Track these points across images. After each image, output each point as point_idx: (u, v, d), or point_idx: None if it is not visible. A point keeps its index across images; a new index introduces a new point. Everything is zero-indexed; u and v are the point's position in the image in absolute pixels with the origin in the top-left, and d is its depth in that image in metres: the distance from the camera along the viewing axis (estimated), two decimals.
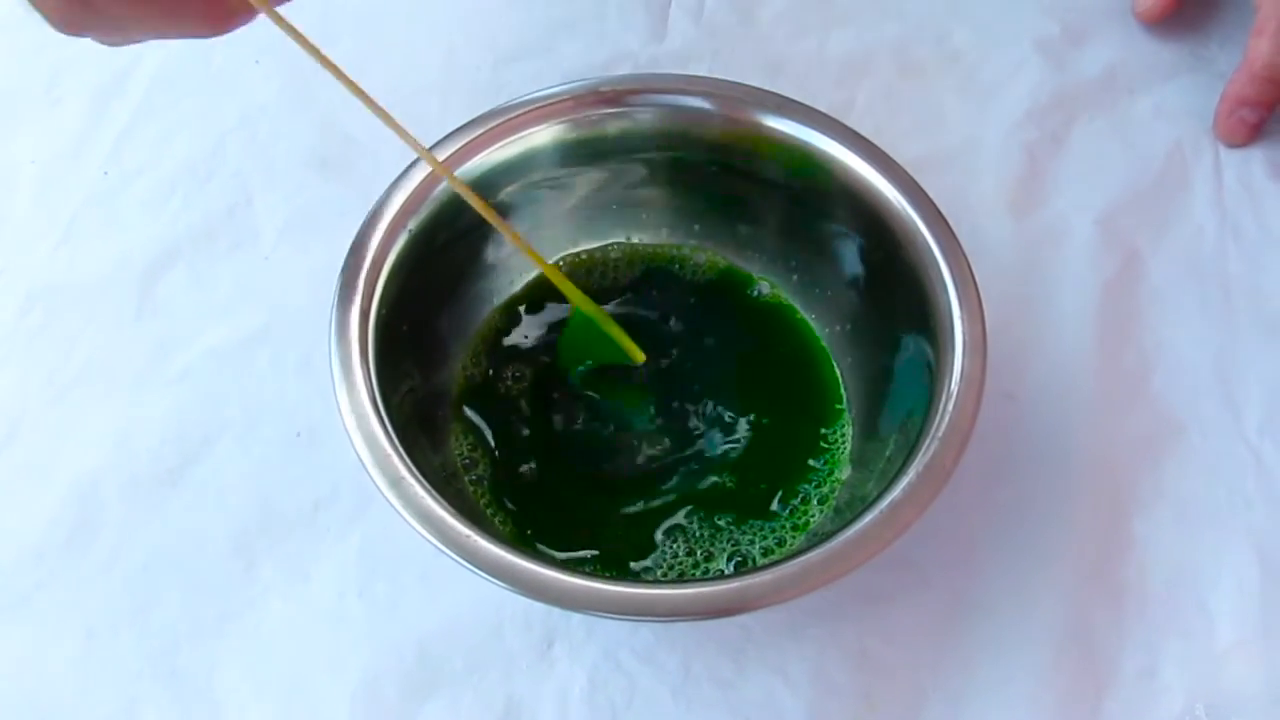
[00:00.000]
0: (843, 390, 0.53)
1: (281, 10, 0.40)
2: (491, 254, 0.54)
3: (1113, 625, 0.49)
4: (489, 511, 0.49)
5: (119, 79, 0.64)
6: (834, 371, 0.53)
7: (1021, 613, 0.49)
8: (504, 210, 0.52)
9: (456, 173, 0.50)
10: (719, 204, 0.55)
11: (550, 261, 0.54)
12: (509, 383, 0.53)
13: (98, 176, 0.61)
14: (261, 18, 0.41)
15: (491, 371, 0.53)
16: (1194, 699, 0.48)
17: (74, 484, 0.53)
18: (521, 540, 0.49)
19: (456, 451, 0.51)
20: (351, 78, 0.41)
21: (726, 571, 0.48)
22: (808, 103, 0.52)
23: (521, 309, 0.55)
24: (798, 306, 0.55)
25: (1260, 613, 0.49)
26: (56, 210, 0.60)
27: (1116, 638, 0.49)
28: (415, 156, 0.48)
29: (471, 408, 0.52)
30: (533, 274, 0.55)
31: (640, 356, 0.51)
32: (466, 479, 0.50)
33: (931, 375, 0.46)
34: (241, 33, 0.65)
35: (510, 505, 0.50)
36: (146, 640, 0.49)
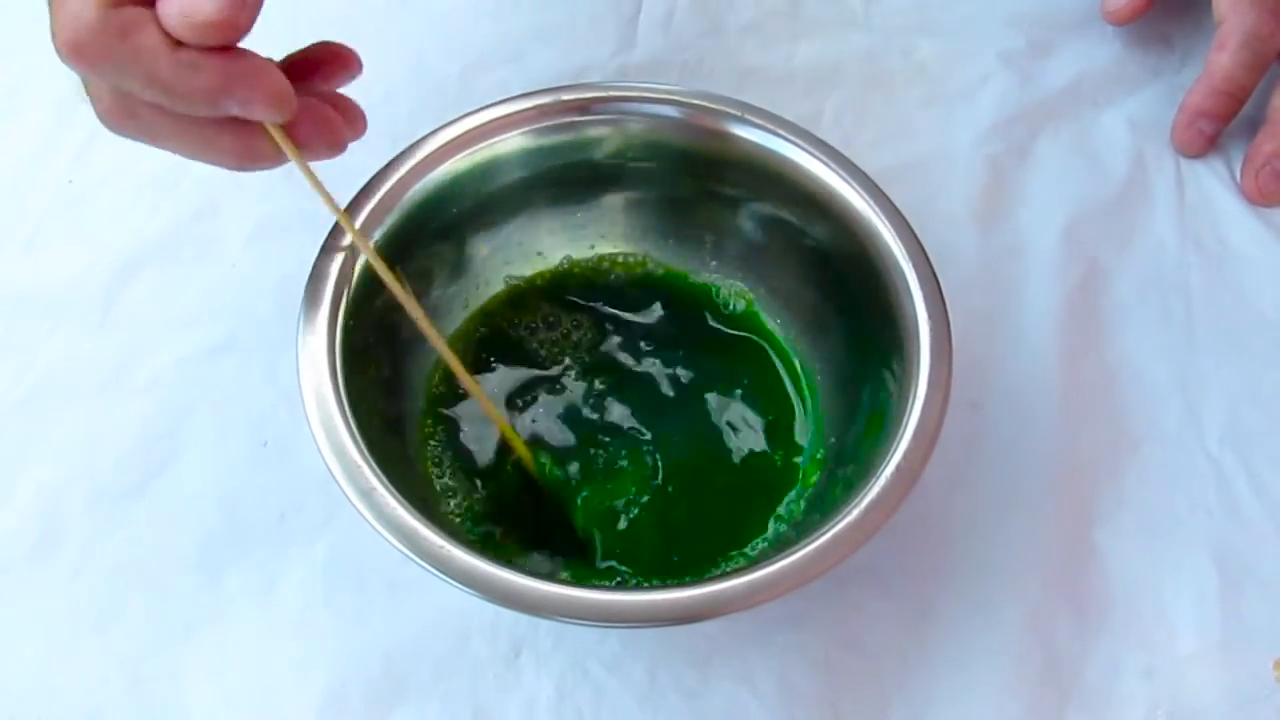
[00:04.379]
0: (809, 395, 0.53)
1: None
2: (460, 262, 0.54)
3: (1075, 634, 0.50)
4: (458, 521, 0.49)
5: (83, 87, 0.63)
6: (799, 377, 0.54)
7: (984, 621, 0.50)
8: (468, 218, 0.52)
9: (422, 180, 0.50)
10: (684, 212, 0.55)
11: (516, 275, 0.56)
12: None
13: (62, 185, 0.61)
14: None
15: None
16: (1155, 707, 0.48)
17: (38, 494, 0.52)
18: (488, 549, 0.49)
19: (424, 459, 0.51)
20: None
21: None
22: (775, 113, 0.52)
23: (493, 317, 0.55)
24: (763, 314, 0.55)
25: (1220, 621, 0.50)
26: (20, 218, 0.59)
27: (1079, 646, 0.49)
28: (379, 169, 0.49)
29: (440, 416, 0.52)
30: (500, 287, 0.55)
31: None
32: (435, 487, 0.50)
33: (898, 380, 0.46)
34: None
35: (479, 517, 0.50)
36: (112, 650, 0.49)
